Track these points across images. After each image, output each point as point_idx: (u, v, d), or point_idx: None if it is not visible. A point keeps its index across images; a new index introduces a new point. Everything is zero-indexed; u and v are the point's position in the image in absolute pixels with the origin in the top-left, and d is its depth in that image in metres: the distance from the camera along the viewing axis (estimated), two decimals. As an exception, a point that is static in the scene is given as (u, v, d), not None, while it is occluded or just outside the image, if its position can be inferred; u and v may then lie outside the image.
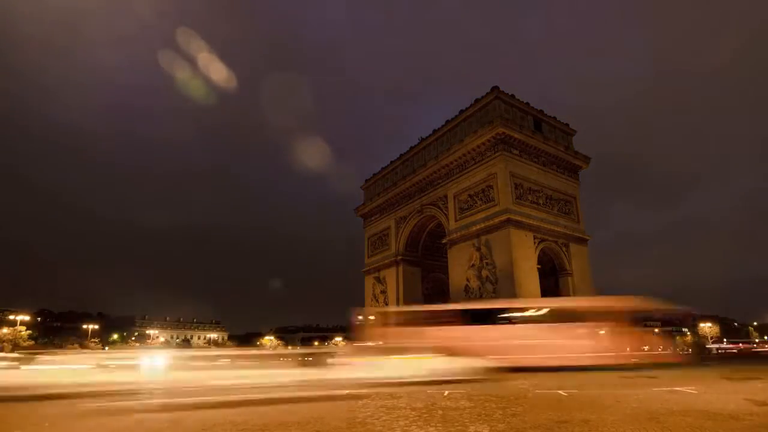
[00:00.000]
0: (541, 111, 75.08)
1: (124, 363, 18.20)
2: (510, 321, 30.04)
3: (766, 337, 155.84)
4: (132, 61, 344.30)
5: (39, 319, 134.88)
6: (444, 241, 75.57)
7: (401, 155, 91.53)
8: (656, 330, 30.18)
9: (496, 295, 62.98)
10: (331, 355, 21.02)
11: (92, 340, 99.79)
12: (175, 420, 10.82)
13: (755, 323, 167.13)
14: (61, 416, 11.96)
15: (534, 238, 66.02)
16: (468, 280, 67.10)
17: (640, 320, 29.47)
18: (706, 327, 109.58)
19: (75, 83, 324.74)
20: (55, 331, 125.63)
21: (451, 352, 20.50)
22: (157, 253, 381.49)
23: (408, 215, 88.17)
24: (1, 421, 11.26)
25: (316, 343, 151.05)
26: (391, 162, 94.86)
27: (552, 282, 69.59)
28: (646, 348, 27.78)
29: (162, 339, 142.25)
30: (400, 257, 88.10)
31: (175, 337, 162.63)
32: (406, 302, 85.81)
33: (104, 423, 11.03)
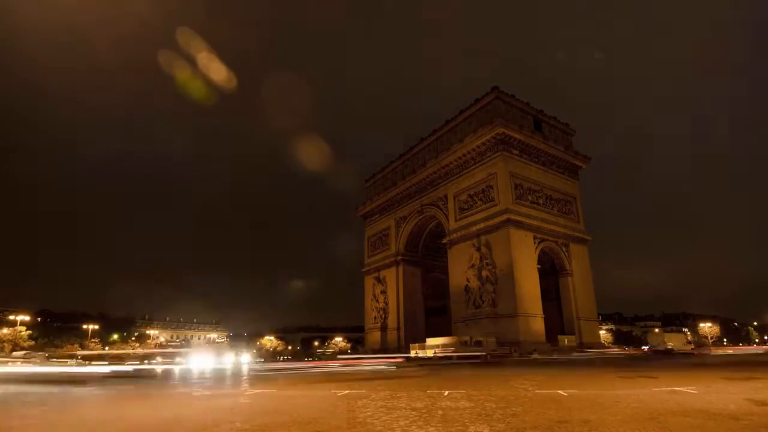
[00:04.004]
0: (541, 111, 75.09)
1: None
2: None
3: (766, 338, 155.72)
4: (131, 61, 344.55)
5: (39, 319, 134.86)
6: (444, 241, 75.58)
7: (401, 155, 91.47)
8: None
9: (496, 295, 62.98)
10: None
11: (92, 340, 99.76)
12: (177, 420, 10.84)
13: (755, 323, 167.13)
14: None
15: (534, 238, 66.05)
16: (468, 280, 67.06)
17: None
18: (706, 327, 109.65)
19: (76, 83, 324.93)
20: (55, 331, 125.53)
21: None
22: (157, 253, 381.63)
23: (408, 215, 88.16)
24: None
25: (316, 344, 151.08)
26: (391, 162, 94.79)
27: (552, 282, 69.63)
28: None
29: (162, 339, 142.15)
30: (400, 257, 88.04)
31: (175, 337, 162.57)
32: (406, 303, 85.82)
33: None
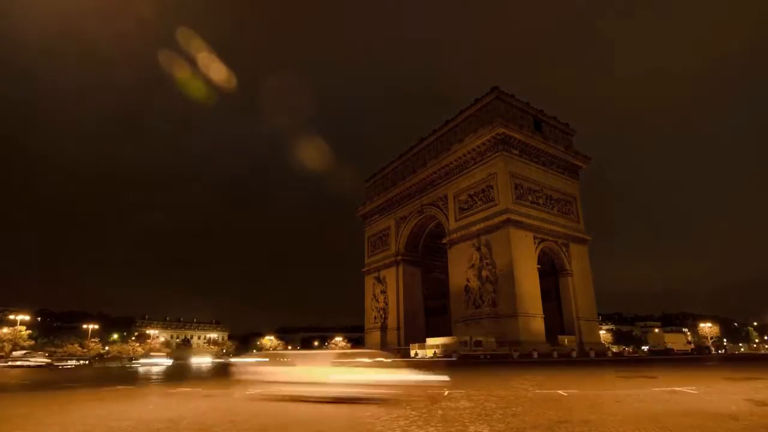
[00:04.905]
0: (541, 111, 75.07)
1: None
2: None
3: (766, 337, 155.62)
4: (131, 59, 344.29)
5: (39, 319, 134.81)
6: (444, 241, 75.58)
7: (401, 155, 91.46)
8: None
9: (496, 295, 62.98)
10: None
11: (92, 340, 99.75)
12: (175, 420, 10.83)
13: (755, 323, 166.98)
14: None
15: (534, 238, 66.03)
16: (468, 280, 67.04)
17: None
18: (706, 327, 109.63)
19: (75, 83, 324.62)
20: (55, 331, 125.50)
21: None
22: (158, 253, 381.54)
23: (408, 215, 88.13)
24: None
25: (316, 343, 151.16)
26: (391, 162, 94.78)
27: (552, 282, 69.59)
28: None
29: (162, 339, 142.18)
30: (400, 257, 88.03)
31: (175, 337, 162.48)
32: (406, 303, 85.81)
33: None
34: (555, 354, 53.60)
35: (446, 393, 15.04)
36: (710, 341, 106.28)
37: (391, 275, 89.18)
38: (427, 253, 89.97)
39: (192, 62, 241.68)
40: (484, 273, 64.49)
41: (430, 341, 66.93)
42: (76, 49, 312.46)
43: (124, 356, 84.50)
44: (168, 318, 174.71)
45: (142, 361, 71.73)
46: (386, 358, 16.31)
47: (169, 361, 73.19)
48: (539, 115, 74.58)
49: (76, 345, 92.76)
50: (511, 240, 62.50)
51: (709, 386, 16.11)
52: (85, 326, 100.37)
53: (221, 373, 35.64)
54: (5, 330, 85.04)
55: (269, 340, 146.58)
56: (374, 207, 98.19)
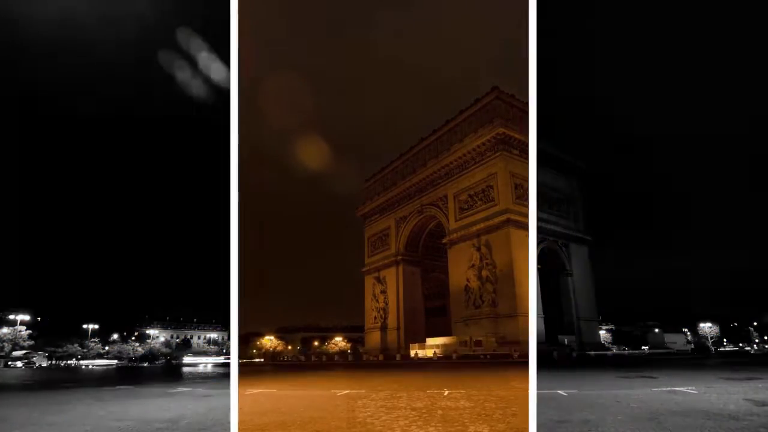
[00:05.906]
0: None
1: None
2: None
3: (766, 337, 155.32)
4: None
5: (39, 318, 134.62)
6: (444, 241, 75.65)
7: (401, 155, 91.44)
8: None
9: (496, 295, 63.07)
10: None
11: (92, 339, 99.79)
12: (175, 420, 10.84)
13: (755, 323, 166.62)
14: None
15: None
16: (468, 280, 67.13)
17: None
18: (706, 327, 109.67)
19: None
20: (55, 330, 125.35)
21: None
22: (157, 253, 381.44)
23: (408, 215, 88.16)
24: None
25: (316, 343, 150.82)
26: (391, 162, 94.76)
27: (552, 282, 69.69)
28: None
29: (162, 339, 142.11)
30: (400, 257, 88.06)
31: (175, 337, 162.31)
32: (406, 303, 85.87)
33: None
34: (555, 354, 53.64)
35: (446, 393, 15.05)
36: (710, 341, 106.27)
37: (391, 275, 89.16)
38: (427, 253, 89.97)
39: (192, 62, 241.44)
40: (484, 273, 64.54)
41: (430, 341, 66.95)
42: (76, 48, 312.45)
43: None
44: (168, 318, 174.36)
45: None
46: None
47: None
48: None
49: (76, 345, 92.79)
50: (511, 240, 62.56)
51: (709, 386, 16.11)
52: (85, 326, 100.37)
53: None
54: (5, 330, 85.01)
55: (269, 340, 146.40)
56: (374, 207, 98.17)
